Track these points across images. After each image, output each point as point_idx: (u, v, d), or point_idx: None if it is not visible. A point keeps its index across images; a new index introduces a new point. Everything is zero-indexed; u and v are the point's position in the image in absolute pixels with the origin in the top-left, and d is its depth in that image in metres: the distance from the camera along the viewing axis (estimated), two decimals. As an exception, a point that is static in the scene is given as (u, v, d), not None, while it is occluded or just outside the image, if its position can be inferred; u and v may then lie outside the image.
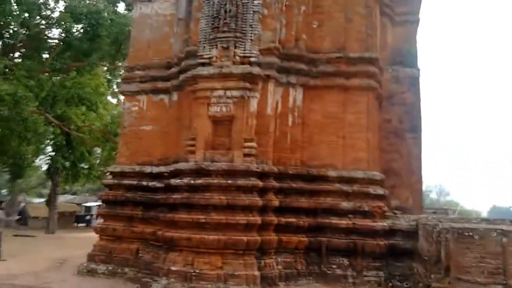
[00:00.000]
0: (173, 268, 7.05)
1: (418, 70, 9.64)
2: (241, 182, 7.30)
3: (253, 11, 8.16)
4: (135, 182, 8.79)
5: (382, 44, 8.99)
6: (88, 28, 15.74)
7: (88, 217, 27.44)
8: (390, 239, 7.76)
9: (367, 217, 7.82)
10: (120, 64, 20.15)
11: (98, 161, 24.38)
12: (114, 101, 24.59)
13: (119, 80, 21.83)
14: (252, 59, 7.96)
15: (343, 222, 7.77)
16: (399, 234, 7.83)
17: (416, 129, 9.32)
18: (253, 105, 7.86)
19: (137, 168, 8.96)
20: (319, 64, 8.52)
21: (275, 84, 8.14)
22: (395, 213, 8.46)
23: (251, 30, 8.08)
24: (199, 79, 7.99)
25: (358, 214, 7.83)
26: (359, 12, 8.67)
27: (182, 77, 8.49)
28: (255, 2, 8.17)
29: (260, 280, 6.93)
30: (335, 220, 7.81)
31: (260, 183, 7.42)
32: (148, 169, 8.81)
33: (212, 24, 8.21)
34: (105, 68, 22.08)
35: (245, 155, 7.61)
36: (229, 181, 7.33)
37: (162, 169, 8.52)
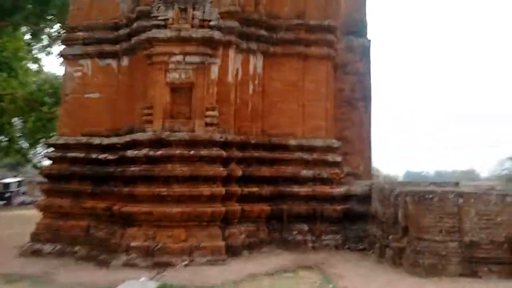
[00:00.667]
0: (133, 244, 6.70)
1: (369, 40, 9.88)
2: (204, 152, 7.05)
3: (210, -29, 7.64)
4: (82, 155, 8.09)
5: (336, 13, 9.00)
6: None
7: (7, 195, 25.17)
8: (346, 203, 8.07)
9: (325, 184, 8.04)
10: (43, 26, 18.08)
11: (19, 134, 22.24)
12: (34, 67, 22.22)
13: (43, 44, 19.77)
14: (212, 23, 7.58)
15: (303, 189, 7.92)
16: (354, 199, 8.17)
17: (367, 98, 9.64)
18: (214, 72, 7.55)
19: (84, 140, 8.23)
20: (279, 31, 8.36)
21: (235, 50, 7.86)
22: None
23: (211, -10, 7.60)
24: (155, 42, 7.44)
25: (318, 181, 8.02)
26: None
27: (134, 40, 7.84)
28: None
29: (225, 251, 6.85)
30: (296, 188, 7.92)
31: (224, 153, 7.23)
32: (96, 140, 8.14)
33: None
34: (25, 30, 19.71)
35: (207, 124, 7.33)
36: (192, 152, 7.04)
37: (114, 140, 7.91)
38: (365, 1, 10.49)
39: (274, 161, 8.01)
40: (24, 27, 17.75)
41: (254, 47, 8.05)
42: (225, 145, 7.37)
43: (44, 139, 19.88)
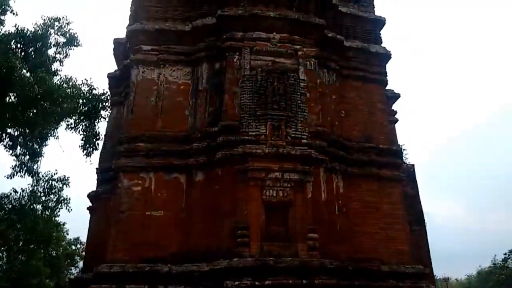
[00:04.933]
0: None
1: (413, 165, 10.37)
2: (318, 281, 6.18)
3: (300, 93, 7.88)
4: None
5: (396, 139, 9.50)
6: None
7: None
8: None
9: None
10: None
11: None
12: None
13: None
14: (304, 141, 7.49)
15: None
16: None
17: (420, 221, 9.67)
18: (310, 190, 7.17)
19: (147, 267, 6.85)
20: (353, 152, 8.46)
21: (324, 169, 7.64)
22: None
23: (300, 111, 7.74)
24: (251, 158, 7.07)
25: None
26: (380, 108, 9.15)
27: (220, 154, 7.32)
28: (301, 84, 7.97)
29: None
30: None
31: (333, 281, 6.40)
32: (163, 267, 6.83)
33: (258, 100, 7.61)
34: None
35: (309, 248, 6.66)
36: (304, 281, 6.13)
37: (189, 267, 6.69)
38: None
39: (367, 290, 7.26)
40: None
41: (337, 167, 7.97)
42: (331, 272, 6.57)
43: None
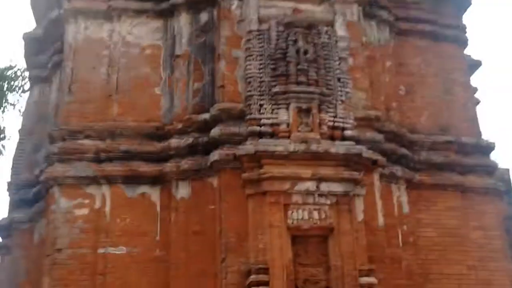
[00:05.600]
0: None
1: (508, 169, 10.41)
2: None
3: (339, 57, 7.84)
4: None
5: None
6: None
7: None
8: None
9: None
10: None
11: None
12: None
13: None
14: (348, 132, 7.43)
15: None
16: None
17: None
18: (362, 210, 7.12)
19: None
20: (421, 150, 8.51)
21: (379, 176, 7.59)
22: None
23: (341, 87, 7.69)
24: (268, 159, 6.96)
25: None
26: (460, 82, 9.27)
27: (217, 155, 7.23)
28: (340, 44, 7.94)
29: None
30: None
31: None
32: None
33: (274, 69, 7.53)
34: None
35: (367, 302, 6.56)
36: None
37: None
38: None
39: None
40: None
41: (398, 172, 7.98)
42: None
43: None
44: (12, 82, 14.64)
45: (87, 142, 7.87)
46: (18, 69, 13.84)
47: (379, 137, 7.76)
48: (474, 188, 8.49)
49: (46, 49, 9.83)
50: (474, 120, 9.15)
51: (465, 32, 9.82)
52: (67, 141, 7.87)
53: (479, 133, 9.07)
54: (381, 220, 7.42)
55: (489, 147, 8.90)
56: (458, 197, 8.37)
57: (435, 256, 7.97)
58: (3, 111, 14.73)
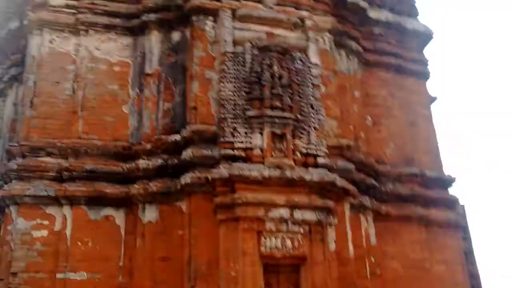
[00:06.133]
0: None
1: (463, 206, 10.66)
2: None
3: (312, 84, 7.83)
4: None
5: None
6: None
7: None
8: None
9: None
10: None
11: None
12: None
13: None
14: (321, 160, 7.38)
15: None
16: None
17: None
18: (334, 239, 7.06)
19: None
20: (387, 181, 8.53)
21: (349, 206, 7.56)
22: None
23: (314, 113, 7.65)
24: (241, 185, 6.82)
25: None
26: (423, 114, 9.41)
27: (188, 177, 7.01)
28: (313, 71, 7.90)
29: None
30: None
31: None
32: None
33: (248, 92, 7.48)
34: None
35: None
36: None
37: None
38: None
39: None
40: None
41: (366, 203, 7.96)
42: None
43: None
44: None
45: (49, 159, 7.49)
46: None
47: (350, 166, 7.74)
48: (437, 221, 8.60)
49: (2, 62, 9.38)
50: (436, 153, 9.28)
51: (427, 66, 10.04)
52: (27, 158, 7.46)
53: (440, 166, 9.20)
54: (351, 250, 7.37)
55: (450, 181, 9.04)
56: (422, 230, 8.45)
57: (401, 291, 7.97)
58: None
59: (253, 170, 6.87)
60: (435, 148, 9.32)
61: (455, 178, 9.08)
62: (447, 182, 9.04)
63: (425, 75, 9.94)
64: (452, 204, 8.93)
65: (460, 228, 8.92)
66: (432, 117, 9.74)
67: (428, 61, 10.11)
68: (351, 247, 7.37)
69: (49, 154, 7.51)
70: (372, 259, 7.81)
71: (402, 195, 8.50)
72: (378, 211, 8.21)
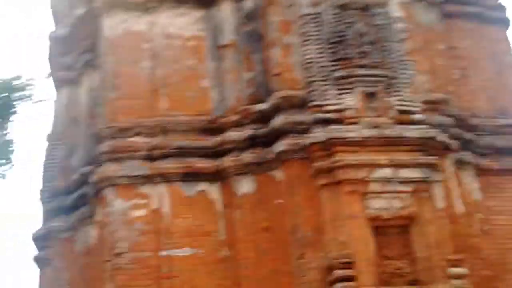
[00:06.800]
0: None
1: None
2: None
3: (398, 39, 7.56)
4: None
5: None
6: None
7: None
8: None
9: None
10: None
11: None
12: None
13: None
14: (417, 116, 7.09)
15: None
16: None
17: None
18: (440, 195, 6.77)
19: None
20: (483, 135, 8.21)
21: (452, 162, 7.28)
22: None
23: (403, 69, 7.36)
24: (341, 148, 6.61)
25: None
26: (509, 64, 9.02)
27: (282, 145, 6.87)
28: (396, 25, 7.61)
29: None
30: None
31: None
32: None
33: (334, 53, 7.23)
34: None
35: (455, 293, 6.23)
36: None
37: None
38: None
39: None
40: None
41: (468, 158, 7.63)
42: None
43: None
44: (21, 92, 14.31)
45: (138, 139, 7.45)
46: (26, 79, 13.56)
47: (448, 120, 7.44)
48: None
49: (72, 49, 9.40)
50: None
51: (505, 13, 9.55)
52: (117, 140, 7.45)
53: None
54: (460, 207, 7.14)
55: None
56: None
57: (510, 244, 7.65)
58: (8, 123, 14.33)
59: (350, 132, 6.67)
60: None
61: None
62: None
63: (506, 22, 9.46)
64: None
65: None
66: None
67: (506, 8, 9.63)
68: (459, 204, 7.12)
69: (137, 134, 7.46)
70: (480, 215, 7.54)
71: (502, 148, 8.15)
72: (479, 165, 7.88)
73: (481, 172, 7.90)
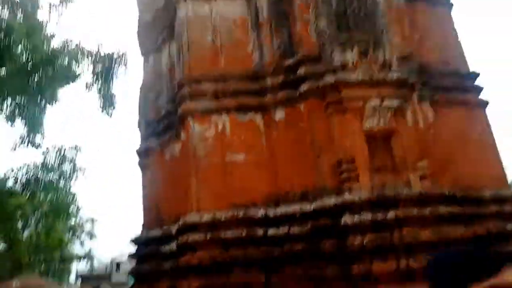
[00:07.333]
0: None
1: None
2: (443, 210, 5.90)
3: (381, 14, 7.32)
4: (243, 233, 6.27)
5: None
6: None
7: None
8: None
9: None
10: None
11: None
12: None
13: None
14: (394, 66, 6.99)
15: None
16: None
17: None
18: (411, 117, 6.78)
19: (240, 213, 6.48)
20: (435, 78, 8.05)
21: (416, 95, 7.24)
22: None
23: (384, 35, 7.18)
24: (345, 87, 6.57)
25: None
26: (452, 31, 8.79)
27: (305, 86, 6.84)
28: (379, 6, 7.40)
29: None
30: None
31: (452, 209, 6.14)
32: (259, 211, 6.48)
33: (338, 24, 7.03)
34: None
35: (421, 177, 6.31)
36: (428, 211, 5.85)
37: (288, 208, 6.35)
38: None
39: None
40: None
41: (426, 93, 7.55)
42: (448, 200, 6.29)
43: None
44: (120, 62, 14.42)
45: (207, 85, 7.44)
46: (122, 52, 13.67)
47: (414, 67, 7.29)
48: (472, 103, 8.11)
49: (155, 28, 9.31)
50: (465, 56, 8.65)
51: (450, -1, 9.23)
52: (193, 85, 7.44)
53: (468, 65, 8.64)
54: (422, 125, 7.08)
55: (477, 75, 8.41)
56: (463, 110, 7.93)
57: (452, 150, 7.38)
58: (112, 83, 14.40)
59: (351, 77, 6.65)
60: (463, 51, 8.65)
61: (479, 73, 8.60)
62: (476, 75, 8.43)
63: (450, 5, 9.12)
64: (480, 90, 8.35)
65: (486, 106, 8.37)
66: (457, 34, 9.12)
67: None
68: (421, 123, 7.09)
69: (206, 81, 7.47)
70: (432, 131, 7.41)
71: (447, 87, 7.98)
72: (432, 98, 7.68)
73: (434, 103, 7.84)
